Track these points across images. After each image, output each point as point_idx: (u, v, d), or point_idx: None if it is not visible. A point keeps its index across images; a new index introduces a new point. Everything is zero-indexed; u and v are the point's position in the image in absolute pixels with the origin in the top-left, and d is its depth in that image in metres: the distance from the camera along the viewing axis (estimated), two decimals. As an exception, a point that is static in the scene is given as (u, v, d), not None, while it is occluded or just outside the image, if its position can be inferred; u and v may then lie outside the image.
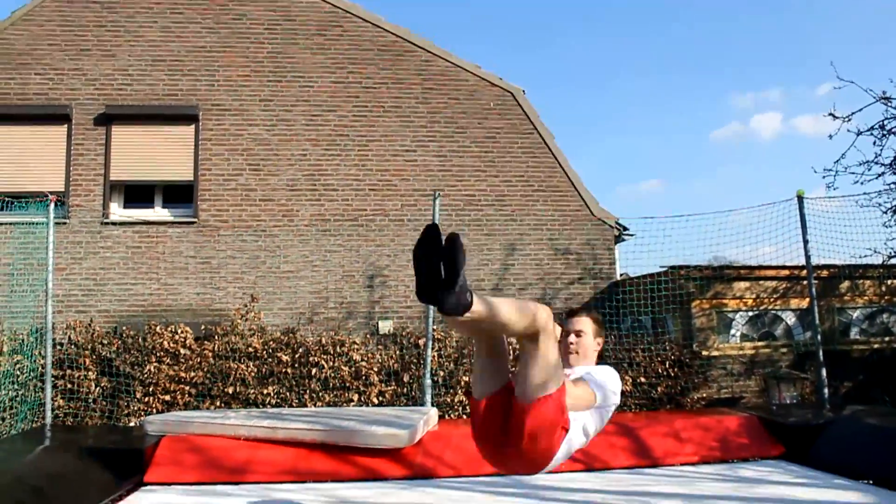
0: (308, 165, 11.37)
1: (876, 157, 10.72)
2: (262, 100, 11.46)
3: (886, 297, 11.15)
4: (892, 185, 10.84)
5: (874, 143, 10.73)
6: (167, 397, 9.02)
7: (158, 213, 11.32)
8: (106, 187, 11.02)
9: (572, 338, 3.63)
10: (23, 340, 8.98)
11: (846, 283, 10.99)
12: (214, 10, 11.60)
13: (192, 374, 9.10)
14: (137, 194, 11.44)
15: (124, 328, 9.68)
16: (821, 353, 9.22)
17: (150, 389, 9.03)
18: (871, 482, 6.13)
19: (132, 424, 8.82)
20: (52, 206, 8.77)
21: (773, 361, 10.39)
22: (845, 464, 6.62)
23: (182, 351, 9.20)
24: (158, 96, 11.29)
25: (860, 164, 10.80)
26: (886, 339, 11.04)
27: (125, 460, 6.65)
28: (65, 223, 10.74)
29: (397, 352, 9.56)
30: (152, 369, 9.03)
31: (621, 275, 11.73)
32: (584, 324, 3.69)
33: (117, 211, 11.15)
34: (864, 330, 11.07)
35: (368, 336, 10.32)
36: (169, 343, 9.22)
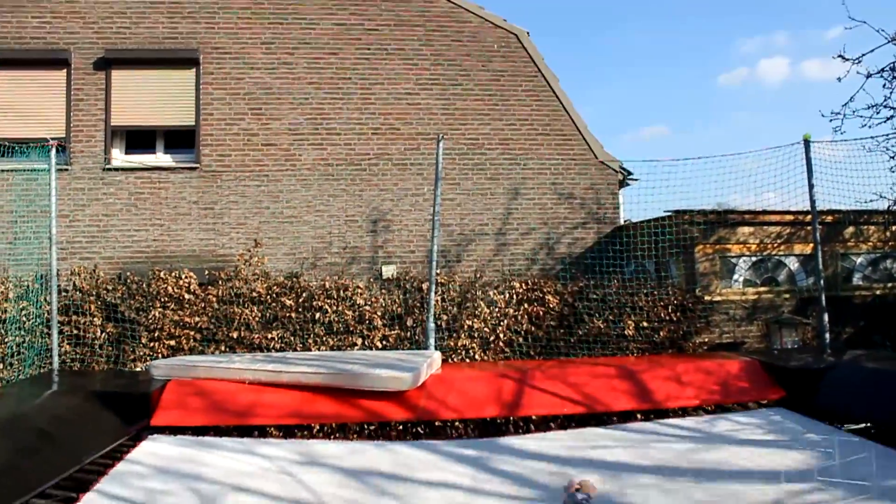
0: (310, 109, 11.27)
1: (885, 99, 10.64)
2: (264, 42, 11.30)
3: (891, 243, 11.12)
4: (901, 129, 10.75)
5: (884, 85, 10.63)
6: (172, 342, 9.08)
7: (160, 158, 11.25)
8: (107, 133, 10.94)
9: None
10: (28, 287, 9.02)
11: (850, 229, 10.95)
12: (213, -50, 11.38)
13: (197, 319, 9.15)
14: (139, 140, 11.36)
15: (128, 274, 9.70)
16: (823, 298, 9.23)
17: (156, 335, 9.09)
18: (869, 425, 6.17)
19: (138, 369, 8.90)
20: (54, 151, 8.72)
21: (775, 307, 10.40)
22: (845, 407, 6.67)
23: (186, 296, 9.24)
24: (158, 39, 11.15)
25: (869, 108, 10.73)
26: (889, 284, 11.04)
27: (132, 404, 6.70)
28: (67, 170, 10.70)
29: (401, 296, 9.59)
30: (157, 314, 9.08)
31: (625, 220, 11.69)
32: None
33: (119, 157, 11.10)
34: (867, 276, 11.06)
35: (372, 280, 10.34)
36: (173, 288, 9.25)
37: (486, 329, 9.36)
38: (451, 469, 5.87)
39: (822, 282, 9.36)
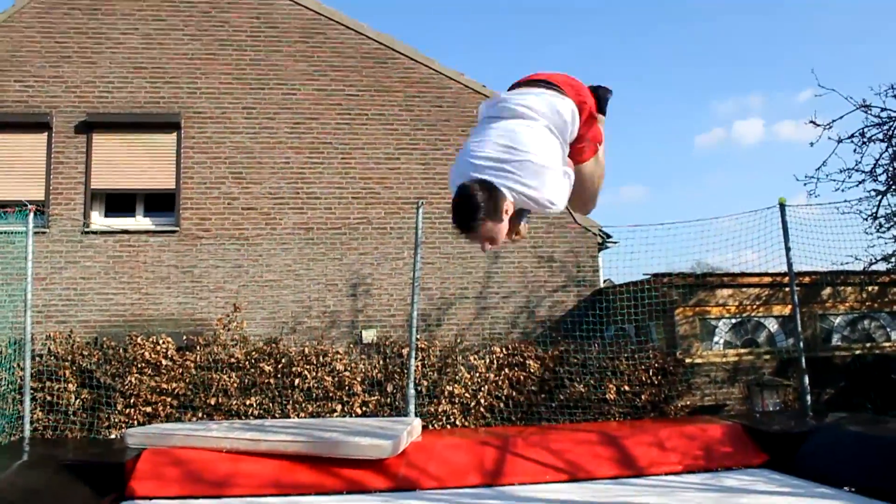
0: (291, 173, 11.31)
1: (856, 164, 10.83)
2: (245, 107, 11.39)
3: (867, 304, 11.23)
4: (872, 192, 10.95)
5: (854, 150, 10.84)
6: (148, 409, 8.93)
7: (140, 221, 11.22)
8: (87, 196, 10.92)
9: (486, 245, 2.81)
10: (1, 352, 8.88)
11: (828, 290, 11.06)
12: (197, 16, 11.53)
13: (174, 385, 9.03)
14: (118, 203, 11.33)
15: (105, 339, 9.59)
16: (803, 359, 9.25)
17: (132, 401, 8.94)
18: (853, 490, 6.14)
19: (113, 437, 8.73)
20: (31, 215, 8.67)
21: (756, 368, 10.42)
22: (829, 471, 6.64)
23: (163, 362, 9.13)
24: (140, 104, 11.21)
25: (841, 172, 10.90)
26: (868, 345, 11.12)
27: (106, 474, 6.55)
28: (44, 232, 10.63)
29: (381, 361, 9.53)
30: (133, 380, 8.95)
31: (605, 282, 11.74)
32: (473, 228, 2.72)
33: (98, 220, 11.05)
34: (846, 336, 11.13)
35: (352, 345, 10.26)
36: (150, 354, 9.14)
37: (466, 394, 9.30)
38: None
39: (801, 343, 9.39)
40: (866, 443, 6.94)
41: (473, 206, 2.66)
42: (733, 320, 10.68)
